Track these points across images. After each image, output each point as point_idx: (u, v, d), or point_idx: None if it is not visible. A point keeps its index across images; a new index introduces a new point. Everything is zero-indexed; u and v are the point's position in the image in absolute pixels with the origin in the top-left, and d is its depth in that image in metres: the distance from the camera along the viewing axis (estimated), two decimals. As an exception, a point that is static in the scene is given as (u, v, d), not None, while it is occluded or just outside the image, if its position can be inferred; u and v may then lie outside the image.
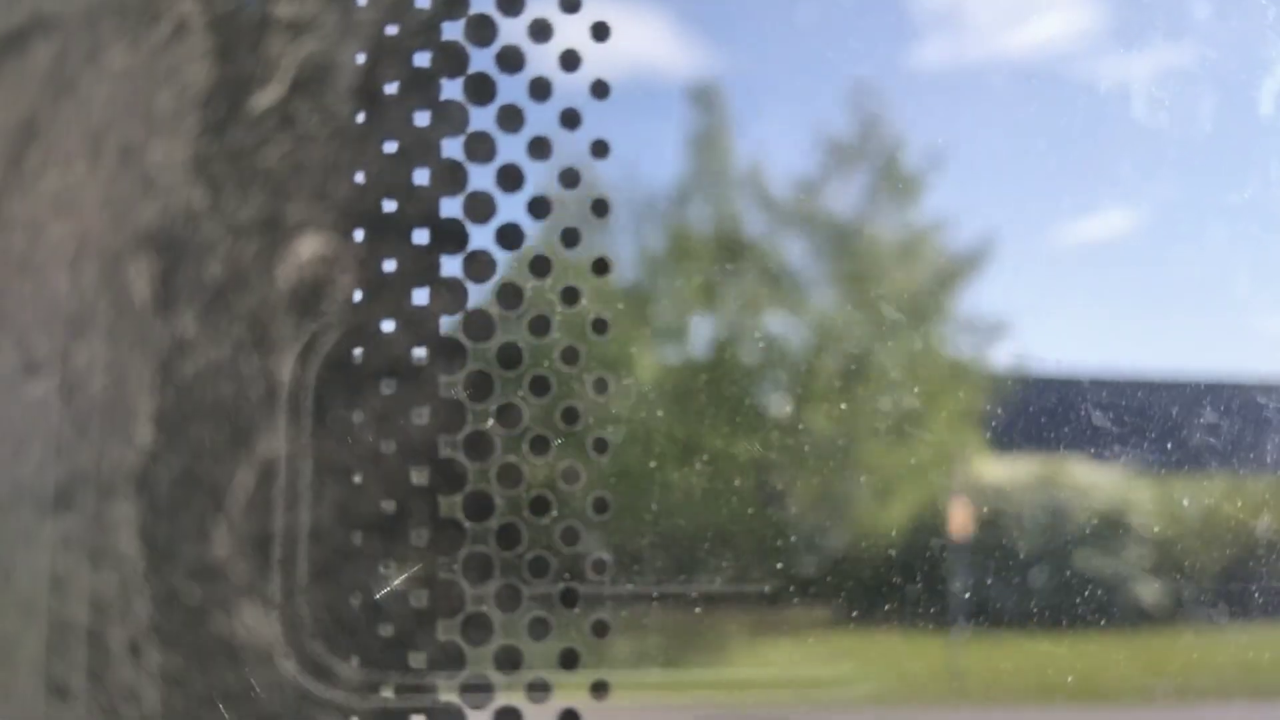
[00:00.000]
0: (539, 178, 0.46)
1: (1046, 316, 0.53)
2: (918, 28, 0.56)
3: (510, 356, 0.45)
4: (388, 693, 0.43)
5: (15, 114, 0.48)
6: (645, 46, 0.48)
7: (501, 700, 0.44)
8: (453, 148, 0.45)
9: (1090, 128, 0.52)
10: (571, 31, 0.46)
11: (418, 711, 0.43)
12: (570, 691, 0.44)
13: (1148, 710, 0.51)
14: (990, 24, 0.58)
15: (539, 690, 0.44)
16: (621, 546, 0.47)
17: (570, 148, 0.46)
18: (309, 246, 0.45)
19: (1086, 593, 0.49)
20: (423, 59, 0.46)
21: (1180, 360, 0.54)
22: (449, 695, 0.44)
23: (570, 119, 0.46)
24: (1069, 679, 0.48)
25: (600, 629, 0.45)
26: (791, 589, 0.48)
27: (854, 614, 0.48)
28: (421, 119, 0.45)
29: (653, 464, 0.49)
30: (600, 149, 0.46)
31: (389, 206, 0.45)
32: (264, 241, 0.45)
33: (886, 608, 0.47)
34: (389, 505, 0.44)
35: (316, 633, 0.44)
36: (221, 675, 0.44)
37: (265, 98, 0.46)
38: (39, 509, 0.45)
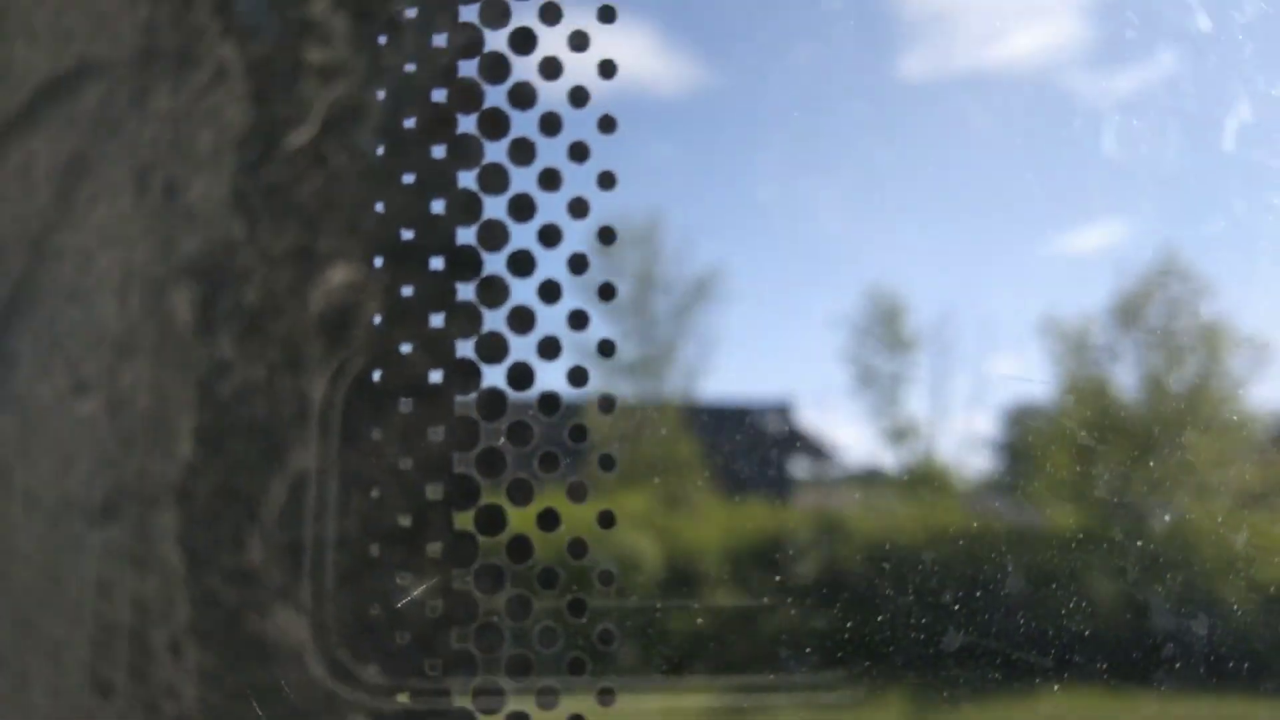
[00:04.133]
0: (550, 208, 0.48)
1: (1039, 333, 0.53)
2: (902, 38, 0.56)
3: (521, 378, 0.47)
4: (405, 697, 0.46)
5: (66, 152, 0.50)
6: (631, 61, 0.49)
7: (512, 705, 0.46)
8: (467, 179, 0.47)
9: (1071, 146, 0.52)
10: (580, 68, 0.48)
11: (434, 715, 0.45)
12: (578, 698, 0.46)
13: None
14: (974, 36, 0.58)
15: (547, 696, 0.46)
16: (627, 560, 0.48)
17: (579, 179, 0.48)
18: (339, 275, 0.47)
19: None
20: (440, 95, 0.48)
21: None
22: (462, 700, 0.46)
23: (579, 152, 0.48)
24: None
25: (606, 638, 0.47)
26: (789, 600, 0.50)
27: (849, 625, 0.50)
28: (438, 152, 0.48)
29: (656, 479, 0.51)
30: (607, 180, 0.48)
31: (408, 235, 0.47)
32: (297, 270, 0.47)
33: (880, 619, 0.49)
34: (405, 519, 0.46)
35: (341, 637, 0.46)
36: (255, 674, 0.45)
37: (299, 137, 0.47)
38: (86, 519, 0.48)
